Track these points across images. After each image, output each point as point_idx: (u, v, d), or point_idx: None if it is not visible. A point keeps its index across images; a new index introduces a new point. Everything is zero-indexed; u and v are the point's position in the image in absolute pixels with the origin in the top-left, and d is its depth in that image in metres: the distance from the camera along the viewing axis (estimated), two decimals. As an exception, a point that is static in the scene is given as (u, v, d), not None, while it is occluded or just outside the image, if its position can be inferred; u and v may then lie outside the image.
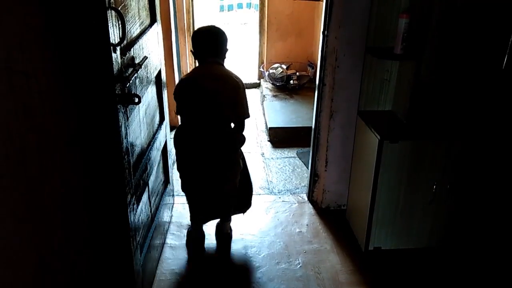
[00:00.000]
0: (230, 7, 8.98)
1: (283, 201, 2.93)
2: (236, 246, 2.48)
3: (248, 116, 2.19)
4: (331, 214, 2.79)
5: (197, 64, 2.23)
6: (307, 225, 2.68)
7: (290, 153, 3.63)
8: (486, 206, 2.31)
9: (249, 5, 8.75)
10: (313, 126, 2.69)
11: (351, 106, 2.48)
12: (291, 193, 3.03)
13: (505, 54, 2.03)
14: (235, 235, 2.55)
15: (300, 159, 3.51)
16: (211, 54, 2.18)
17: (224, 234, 2.50)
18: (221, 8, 8.92)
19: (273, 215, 2.78)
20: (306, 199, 2.93)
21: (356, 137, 2.51)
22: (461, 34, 2.03)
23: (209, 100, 2.10)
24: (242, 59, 6.19)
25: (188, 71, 3.92)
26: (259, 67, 5.04)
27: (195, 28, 4.87)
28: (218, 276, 2.26)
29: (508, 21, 1.96)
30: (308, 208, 2.85)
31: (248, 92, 4.93)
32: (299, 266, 2.34)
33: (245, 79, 5.18)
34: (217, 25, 2.26)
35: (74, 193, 1.39)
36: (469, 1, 1.97)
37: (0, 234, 0.96)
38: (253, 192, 2.51)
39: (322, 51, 2.45)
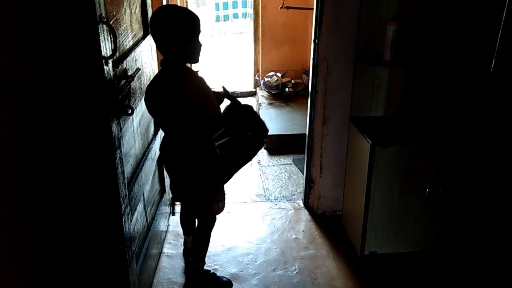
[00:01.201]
0: (226, 17, 9.07)
1: (279, 208, 2.95)
2: (233, 253, 2.50)
3: None
4: (327, 219, 2.81)
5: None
6: (303, 231, 2.70)
7: (286, 160, 3.66)
8: (479, 208, 2.33)
9: (244, 15, 8.81)
10: (307, 133, 2.72)
11: (343, 112, 2.52)
12: (287, 200, 3.05)
13: (493, 57, 2.07)
14: (232, 242, 2.56)
15: (296, 165, 3.53)
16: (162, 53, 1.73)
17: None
18: (217, 19, 9.00)
19: (270, 222, 2.79)
20: (302, 205, 2.95)
21: (349, 143, 2.54)
22: (448, 39, 2.08)
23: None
24: (238, 68, 6.25)
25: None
26: (254, 76, 5.09)
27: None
28: (214, 284, 2.27)
29: (495, 24, 2.00)
30: (304, 214, 2.87)
31: (245, 100, 5.03)
32: (295, 272, 2.36)
33: (241, 88, 5.25)
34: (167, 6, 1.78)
35: (65, 203, 1.41)
36: (456, 7, 2.02)
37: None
38: (250, 200, 2.41)
39: (313, 59, 2.49)
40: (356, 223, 2.44)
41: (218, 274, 2.30)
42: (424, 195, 2.27)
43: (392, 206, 2.29)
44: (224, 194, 2.06)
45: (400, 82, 2.20)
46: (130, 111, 1.61)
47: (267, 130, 1.94)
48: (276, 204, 2.99)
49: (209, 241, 2.17)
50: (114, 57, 1.51)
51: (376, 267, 2.38)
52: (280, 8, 4.45)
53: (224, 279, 2.28)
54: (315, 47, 2.45)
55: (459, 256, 2.44)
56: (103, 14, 1.41)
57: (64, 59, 1.37)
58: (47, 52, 1.26)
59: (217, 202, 2.01)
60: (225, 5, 7.41)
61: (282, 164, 3.59)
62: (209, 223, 2.13)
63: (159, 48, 1.73)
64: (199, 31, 1.70)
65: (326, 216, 2.84)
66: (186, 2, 4.80)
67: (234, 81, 5.58)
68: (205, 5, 10.61)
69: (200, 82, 1.79)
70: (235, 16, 9.17)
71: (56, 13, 1.30)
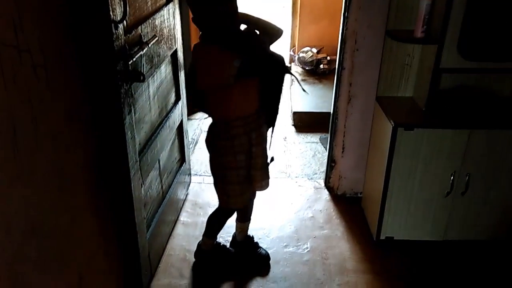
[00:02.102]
0: (270, -10, 8.90)
1: (299, 185, 2.92)
2: (247, 227, 2.50)
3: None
4: (347, 201, 2.74)
5: None
6: (320, 210, 2.66)
7: (313, 138, 3.59)
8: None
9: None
10: (331, 111, 2.64)
11: (370, 91, 2.41)
12: (308, 178, 3.00)
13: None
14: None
15: (322, 144, 3.46)
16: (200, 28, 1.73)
17: None
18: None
19: (288, 199, 2.77)
20: (323, 185, 2.90)
21: (373, 124, 2.44)
22: (487, 16, 1.91)
23: None
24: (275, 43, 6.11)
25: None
26: (289, 51, 4.97)
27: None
28: (223, 253, 2.28)
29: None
30: (324, 194, 2.82)
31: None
32: (306, 250, 2.33)
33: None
34: None
35: (75, 164, 1.46)
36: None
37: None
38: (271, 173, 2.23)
39: (342, 34, 2.38)
40: (374, 206, 2.36)
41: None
42: (448, 183, 2.15)
43: (412, 192, 2.19)
44: (241, 193, 1.96)
45: (431, 62, 2.05)
46: (142, 77, 1.61)
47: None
48: (296, 182, 2.95)
49: (222, 226, 2.16)
50: (125, 22, 1.50)
51: (391, 252, 2.31)
52: (320, -20, 4.28)
53: (263, 251, 2.29)
54: (344, 21, 2.34)
55: (482, 250, 2.32)
56: (114, -23, 1.40)
57: (77, 21, 1.38)
58: (52, 14, 1.27)
59: (227, 195, 1.95)
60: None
61: (308, 142, 3.53)
62: (222, 211, 2.10)
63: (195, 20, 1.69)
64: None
65: (346, 198, 2.77)
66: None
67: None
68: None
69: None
70: (279, -12, 8.97)
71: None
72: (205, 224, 2.18)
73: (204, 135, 2.49)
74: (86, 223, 1.55)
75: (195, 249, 2.32)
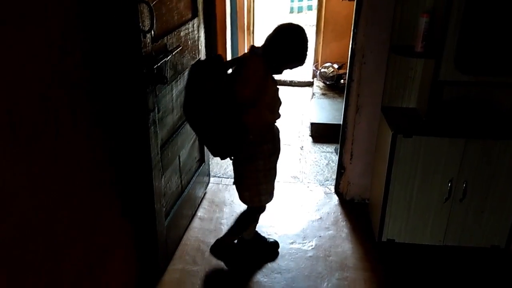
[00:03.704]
0: (300, 9, 9.20)
1: (310, 190, 3.09)
2: (257, 223, 2.69)
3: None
4: (354, 206, 2.89)
5: None
6: (328, 213, 2.82)
7: (329, 148, 3.76)
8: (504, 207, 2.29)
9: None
10: (341, 120, 2.82)
11: (376, 101, 2.58)
12: (320, 184, 3.17)
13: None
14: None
15: (336, 154, 3.62)
16: (263, 49, 1.96)
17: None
18: (291, 10, 9.17)
19: (298, 201, 2.95)
20: (333, 190, 3.06)
21: (378, 132, 2.60)
22: (482, 33, 2.06)
23: None
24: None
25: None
26: (312, 66, 5.19)
27: (254, 26, 5.19)
28: (233, 245, 2.48)
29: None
30: (333, 199, 2.98)
31: (301, 90, 5.15)
32: (311, 248, 2.50)
33: (299, 78, 5.37)
34: (299, 29, 1.96)
35: (102, 155, 1.72)
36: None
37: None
38: (282, 181, 2.36)
39: (351, 48, 2.59)
40: (377, 210, 2.51)
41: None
42: (446, 189, 2.28)
43: (412, 197, 2.33)
44: (271, 190, 2.20)
45: (431, 75, 2.22)
46: (163, 80, 1.87)
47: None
48: (308, 187, 3.13)
49: (245, 228, 2.34)
50: (152, 32, 1.77)
51: (391, 254, 2.44)
52: (342, 0, 4.50)
53: (272, 239, 2.51)
54: (353, 36, 2.54)
55: (479, 256, 2.41)
56: (145, -5, 1.67)
57: (112, 30, 1.66)
58: (93, 23, 1.55)
59: (260, 194, 2.16)
60: (292, -1, 7.51)
61: (324, 152, 3.70)
62: (254, 211, 2.28)
63: (264, 44, 1.94)
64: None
65: (354, 203, 2.92)
66: (254, -9, 5.03)
67: (293, 70, 5.70)
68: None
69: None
70: (309, 8, 9.27)
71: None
72: (221, 220, 2.36)
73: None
74: (112, 202, 1.80)
75: (209, 241, 2.54)
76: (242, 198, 2.20)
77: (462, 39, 2.06)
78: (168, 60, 1.96)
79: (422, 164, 2.25)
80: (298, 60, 1.99)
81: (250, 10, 5.05)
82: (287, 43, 1.93)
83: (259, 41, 5.25)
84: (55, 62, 1.32)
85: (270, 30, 1.95)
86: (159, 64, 1.85)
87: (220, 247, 2.36)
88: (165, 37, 1.97)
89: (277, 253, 2.44)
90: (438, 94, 2.26)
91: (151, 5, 1.72)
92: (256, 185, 2.13)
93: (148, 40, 1.77)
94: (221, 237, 2.36)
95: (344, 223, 2.73)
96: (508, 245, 2.39)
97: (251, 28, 5.17)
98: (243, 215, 2.31)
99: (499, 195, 2.27)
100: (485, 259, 2.40)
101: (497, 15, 2.05)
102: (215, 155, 2.08)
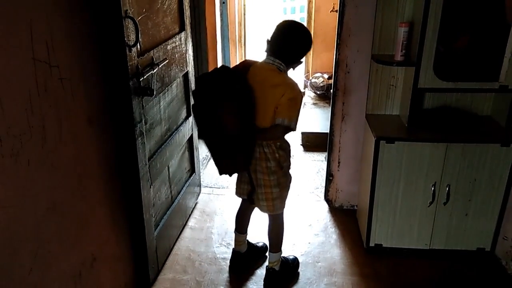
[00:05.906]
0: (293, 10, 9.34)
1: (300, 198, 3.13)
2: (247, 232, 2.73)
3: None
4: (343, 212, 2.94)
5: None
6: (317, 220, 2.86)
7: (319, 157, 3.81)
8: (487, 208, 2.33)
9: (303, 20, 9.00)
10: (328, 129, 2.88)
11: (361, 110, 2.64)
12: (309, 192, 3.22)
13: (499, 67, 2.09)
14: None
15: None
16: (273, 53, 1.96)
17: None
18: (284, 11, 9.30)
19: (288, 209, 2.97)
20: (323, 198, 3.10)
21: (364, 139, 2.66)
22: (459, 41, 2.14)
23: None
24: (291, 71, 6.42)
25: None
26: (303, 76, 5.28)
27: (246, 39, 5.27)
28: (254, 250, 2.51)
29: (503, 28, 2.03)
30: (323, 206, 3.03)
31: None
32: (300, 254, 2.53)
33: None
34: (296, 21, 1.99)
35: (94, 160, 1.76)
36: (466, 10, 2.08)
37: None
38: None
39: (335, 59, 2.66)
40: (364, 215, 2.55)
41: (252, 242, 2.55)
42: (429, 193, 2.33)
43: (397, 202, 2.38)
44: (286, 197, 2.31)
45: (411, 82, 2.28)
46: (149, 92, 1.92)
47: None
48: (298, 195, 3.17)
49: (283, 236, 2.35)
50: (138, 46, 1.83)
51: (379, 259, 2.47)
52: (330, 11, 4.61)
53: (261, 243, 2.57)
54: (337, 47, 2.62)
55: (464, 259, 2.45)
56: (129, 10, 1.74)
57: (99, 45, 1.73)
58: (80, 38, 1.61)
59: (283, 200, 2.28)
60: (284, 11, 7.67)
61: (314, 160, 3.75)
62: (281, 218, 2.35)
63: (278, 50, 1.95)
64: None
65: (343, 210, 2.97)
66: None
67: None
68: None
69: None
70: (302, 10, 9.40)
71: (98, 9, 1.66)
72: (211, 230, 2.40)
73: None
74: (100, 211, 1.84)
75: (199, 250, 2.57)
76: (271, 207, 2.21)
77: (439, 47, 2.13)
78: (154, 73, 2.02)
79: (406, 169, 2.30)
80: (308, 49, 2.02)
81: (241, 23, 5.15)
82: (299, 36, 1.95)
83: (250, 54, 5.35)
84: (41, 75, 1.37)
85: (269, 31, 1.98)
86: (145, 77, 1.91)
87: (278, 272, 2.31)
88: (152, 51, 2.03)
89: (266, 257, 2.47)
90: (419, 100, 2.33)
91: (136, 20, 1.79)
92: (286, 191, 2.25)
93: (134, 54, 1.83)
94: (271, 266, 2.30)
95: (333, 229, 2.77)
96: (494, 247, 2.43)
97: (243, 41, 5.26)
98: (275, 227, 2.32)
99: (482, 197, 2.32)
100: (471, 262, 2.44)
101: (473, 22, 2.13)
102: (229, 172, 2.04)
